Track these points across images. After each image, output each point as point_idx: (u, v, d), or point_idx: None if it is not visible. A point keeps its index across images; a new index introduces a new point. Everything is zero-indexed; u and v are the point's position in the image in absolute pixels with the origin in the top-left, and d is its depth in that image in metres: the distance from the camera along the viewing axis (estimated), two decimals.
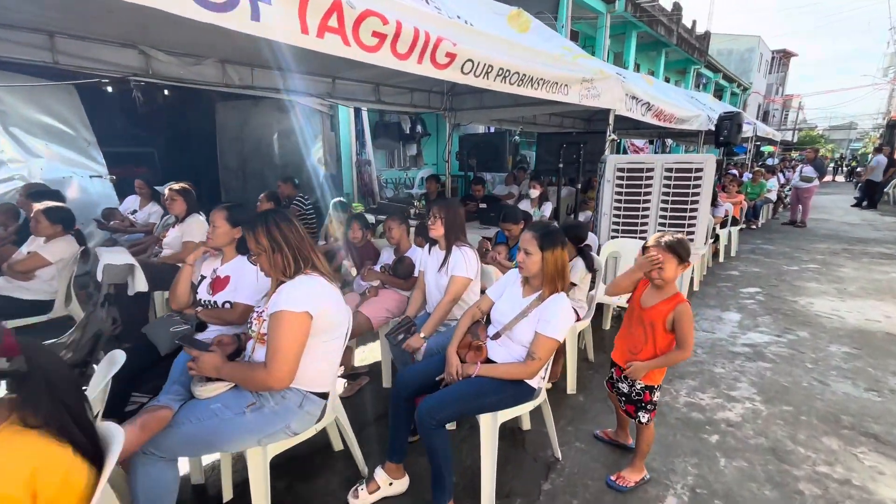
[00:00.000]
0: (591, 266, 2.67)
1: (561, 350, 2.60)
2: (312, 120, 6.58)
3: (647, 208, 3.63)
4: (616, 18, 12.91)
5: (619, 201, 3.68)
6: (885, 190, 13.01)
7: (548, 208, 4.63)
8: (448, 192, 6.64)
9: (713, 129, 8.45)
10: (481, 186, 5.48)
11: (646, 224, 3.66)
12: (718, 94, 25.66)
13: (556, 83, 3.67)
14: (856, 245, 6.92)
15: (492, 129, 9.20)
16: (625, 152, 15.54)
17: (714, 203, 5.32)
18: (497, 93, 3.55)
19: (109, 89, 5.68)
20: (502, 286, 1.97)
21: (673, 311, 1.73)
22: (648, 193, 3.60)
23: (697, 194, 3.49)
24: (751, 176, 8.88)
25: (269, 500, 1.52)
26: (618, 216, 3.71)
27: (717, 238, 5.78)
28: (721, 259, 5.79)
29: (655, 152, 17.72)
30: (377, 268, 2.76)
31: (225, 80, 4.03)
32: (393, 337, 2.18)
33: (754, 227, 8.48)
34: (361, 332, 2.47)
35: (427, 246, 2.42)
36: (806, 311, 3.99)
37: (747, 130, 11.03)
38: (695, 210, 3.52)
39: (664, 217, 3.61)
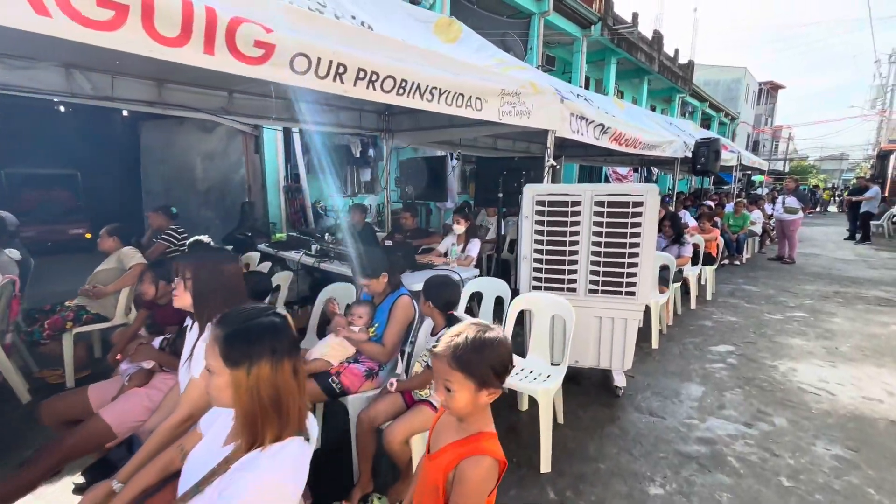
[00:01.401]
0: None
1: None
2: (234, 141, 5.88)
3: (576, 252, 2.83)
4: (594, 44, 12.56)
5: (540, 242, 2.88)
6: (879, 222, 12.34)
7: (474, 247, 3.84)
8: (387, 223, 5.88)
9: (690, 156, 7.84)
10: (409, 215, 4.71)
11: (574, 272, 2.86)
12: (706, 123, 25.49)
13: (465, 96, 2.95)
14: (849, 287, 6.12)
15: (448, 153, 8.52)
16: (606, 181, 14.98)
17: (679, 240, 4.55)
18: (434, 113, 2.89)
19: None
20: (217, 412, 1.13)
21: (456, 466, 0.91)
22: (576, 233, 2.81)
23: (637, 234, 2.71)
24: (733, 207, 8.17)
25: None
26: (540, 261, 2.91)
27: (686, 281, 4.98)
28: (693, 305, 4.97)
29: (641, 181, 17.19)
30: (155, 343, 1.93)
31: (71, 88, 3.30)
32: None
33: (738, 263, 7.71)
34: (89, 451, 1.61)
35: (190, 322, 1.59)
36: (787, 384, 3.13)
37: (730, 159, 10.44)
38: (635, 254, 2.72)
39: (597, 263, 2.81)
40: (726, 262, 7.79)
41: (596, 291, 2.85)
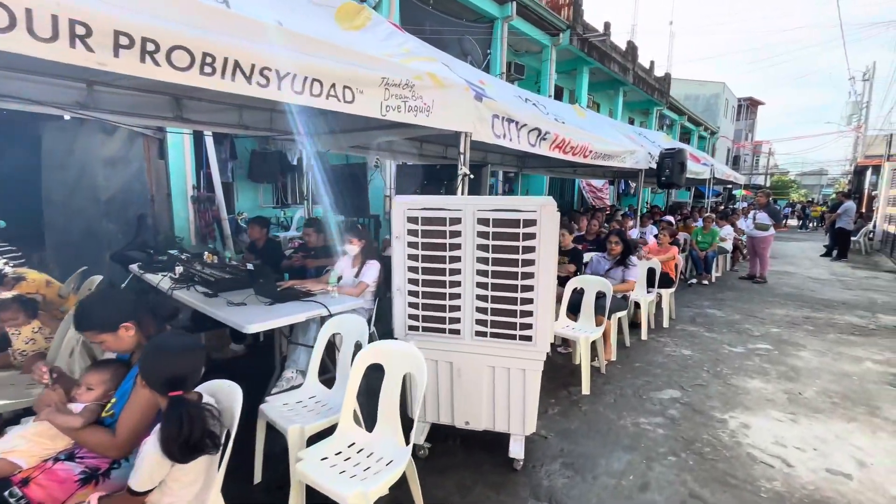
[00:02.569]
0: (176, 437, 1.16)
1: None
2: (136, 145, 5.19)
3: (458, 283, 2.19)
4: (565, 53, 12.17)
5: (415, 270, 2.23)
6: (856, 238, 12.01)
7: (371, 271, 3.16)
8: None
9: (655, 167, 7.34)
10: (313, 231, 4.04)
11: (458, 309, 2.21)
12: (686, 137, 25.40)
13: (324, 83, 2.33)
14: (821, 311, 5.57)
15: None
16: (581, 195, 14.49)
17: (624, 262, 3.94)
18: (349, 114, 2.41)
19: None
20: None
21: None
22: (458, 259, 2.17)
23: (531, 262, 2.07)
24: (702, 223, 7.65)
25: None
26: (416, 294, 2.25)
27: (637, 307, 4.37)
28: (644, 335, 4.35)
29: (616, 195, 16.73)
30: None
31: None
32: None
33: (706, 282, 7.16)
34: None
35: None
36: (734, 448, 2.50)
37: (702, 171, 10.01)
38: (529, 286, 2.09)
39: (484, 297, 2.16)
40: (694, 281, 7.24)
41: (484, 334, 2.21)
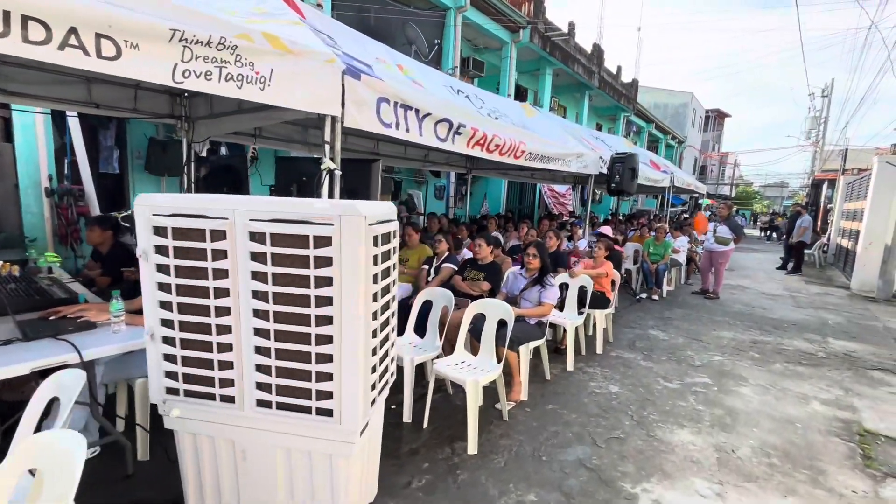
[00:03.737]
0: None
1: None
2: None
3: (227, 327, 1.47)
4: (527, 52, 11.63)
5: (167, 305, 1.50)
6: (810, 252, 11.95)
7: None
8: None
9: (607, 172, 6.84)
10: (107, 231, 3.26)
11: (230, 366, 1.49)
12: (654, 145, 25.53)
13: (59, 28, 1.58)
14: (770, 333, 5.14)
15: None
16: (541, 201, 14.01)
17: (541, 280, 3.31)
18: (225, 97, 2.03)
19: None
20: None
21: None
22: (224, 292, 1.45)
23: (328, 300, 1.38)
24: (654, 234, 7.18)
25: None
26: (172, 342, 1.53)
27: (559, 331, 3.77)
28: (570, 365, 3.75)
29: (578, 202, 16.32)
30: None
31: None
32: None
33: (656, 297, 6.68)
34: None
35: None
36: None
37: (660, 179, 9.64)
38: (326, 335, 1.39)
39: (265, 350, 1.45)
40: (644, 295, 6.76)
41: (269, 404, 1.49)
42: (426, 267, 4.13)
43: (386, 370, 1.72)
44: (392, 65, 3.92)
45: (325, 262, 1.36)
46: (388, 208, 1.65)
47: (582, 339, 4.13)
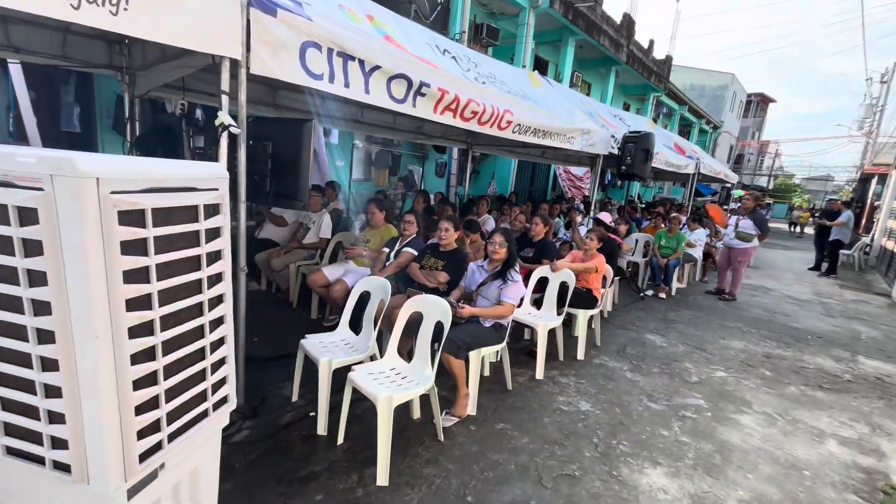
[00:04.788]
0: None
1: None
2: None
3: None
4: (547, 20, 10.68)
5: None
6: (849, 252, 10.85)
7: None
8: None
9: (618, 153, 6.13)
10: None
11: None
12: (686, 129, 23.94)
13: None
14: (789, 346, 4.45)
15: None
16: (554, 183, 13.12)
17: (503, 274, 2.76)
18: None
19: None
20: None
21: None
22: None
23: (42, 283, 0.90)
24: (669, 224, 6.44)
25: None
26: None
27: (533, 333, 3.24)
28: (539, 373, 3.23)
29: (607, 186, 15.25)
30: None
31: None
32: None
33: (663, 295, 6.01)
34: None
35: None
36: None
37: (684, 165, 8.75)
38: (47, 336, 0.92)
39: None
40: (650, 292, 6.11)
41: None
42: (386, 250, 3.63)
43: (203, 396, 1.24)
44: (360, 15, 3.35)
45: (34, 247, 0.87)
46: (189, 170, 1.13)
47: (560, 343, 3.59)
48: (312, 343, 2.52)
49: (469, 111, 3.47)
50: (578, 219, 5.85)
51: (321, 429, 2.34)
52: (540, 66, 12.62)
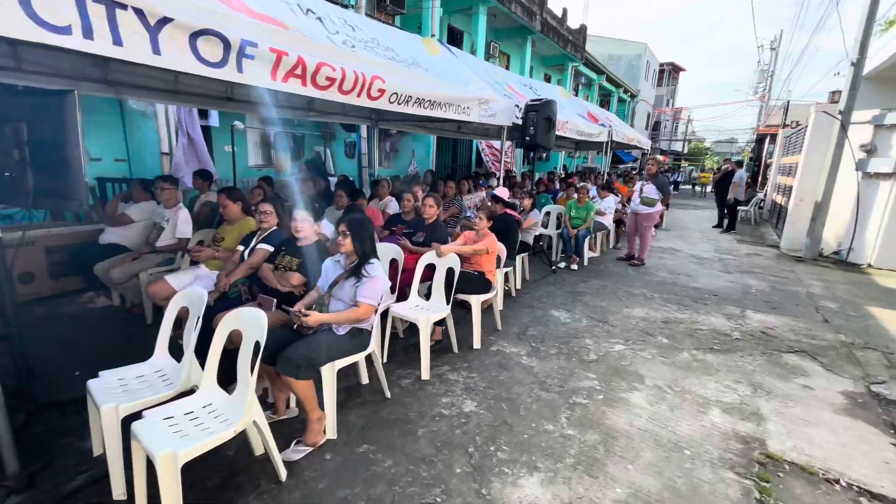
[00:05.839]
0: None
1: None
2: None
3: None
4: None
5: None
6: (747, 208, 11.72)
7: None
8: None
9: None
10: None
11: None
12: (606, 98, 24.71)
13: None
14: (687, 308, 4.51)
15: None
16: (479, 160, 12.86)
17: (358, 271, 2.33)
18: None
19: None
20: None
21: None
22: None
23: None
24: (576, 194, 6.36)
25: None
26: None
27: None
28: (425, 373, 2.89)
29: (532, 160, 15.24)
30: None
31: None
32: None
33: (574, 266, 5.96)
34: None
35: None
36: None
37: (597, 133, 8.77)
38: None
39: None
40: (562, 265, 6.03)
41: None
42: (241, 248, 3.06)
43: None
44: None
45: None
46: None
47: (453, 334, 3.27)
48: (106, 382, 1.96)
49: (323, 77, 2.93)
50: (481, 195, 5.57)
51: (117, 492, 1.82)
52: (454, 36, 12.10)
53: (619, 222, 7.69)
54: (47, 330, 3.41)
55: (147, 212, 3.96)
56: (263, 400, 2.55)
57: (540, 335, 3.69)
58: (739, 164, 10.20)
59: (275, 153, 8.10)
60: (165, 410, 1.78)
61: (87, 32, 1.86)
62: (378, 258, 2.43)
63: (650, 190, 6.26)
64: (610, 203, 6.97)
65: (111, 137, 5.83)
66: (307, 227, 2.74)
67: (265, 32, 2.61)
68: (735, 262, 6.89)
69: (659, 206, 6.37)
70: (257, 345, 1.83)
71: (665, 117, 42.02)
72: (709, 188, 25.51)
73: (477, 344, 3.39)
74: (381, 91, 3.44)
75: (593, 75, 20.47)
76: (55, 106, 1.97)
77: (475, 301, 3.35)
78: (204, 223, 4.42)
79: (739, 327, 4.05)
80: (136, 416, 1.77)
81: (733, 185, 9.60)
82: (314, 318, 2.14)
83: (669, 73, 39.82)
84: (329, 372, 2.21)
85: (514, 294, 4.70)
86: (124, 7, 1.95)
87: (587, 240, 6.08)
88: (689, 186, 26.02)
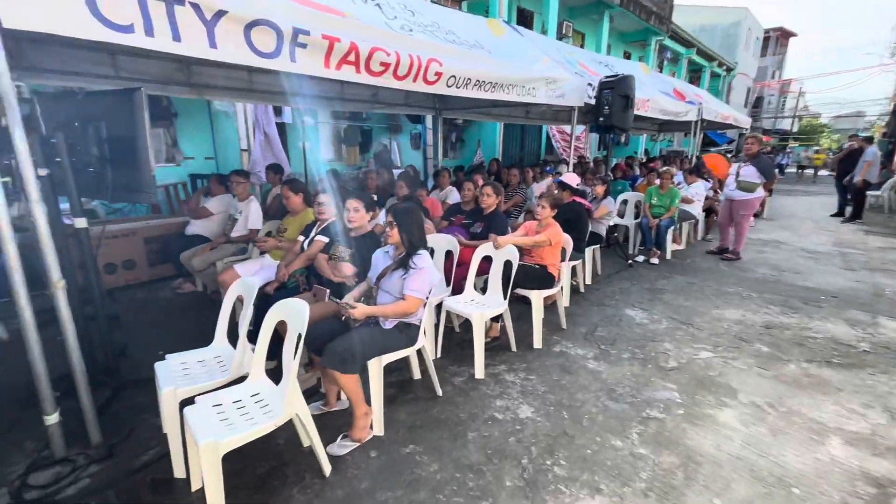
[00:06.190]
0: None
1: None
2: None
3: None
4: None
5: None
6: (878, 193, 9.82)
7: None
8: None
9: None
10: None
11: None
12: (696, 74, 22.24)
13: None
14: (795, 312, 3.81)
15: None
16: (548, 145, 12.17)
17: (405, 262, 2.21)
18: None
19: None
20: None
21: None
22: None
23: None
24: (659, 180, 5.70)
25: None
26: None
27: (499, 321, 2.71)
28: (479, 372, 2.72)
29: (610, 145, 14.07)
30: None
31: None
32: None
33: (655, 260, 5.37)
34: None
35: None
36: None
37: (684, 111, 7.86)
38: None
39: None
40: (640, 258, 5.47)
41: None
42: (301, 239, 3.12)
43: None
44: None
45: None
46: None
47: (510, 331, 3.06)
48: (170, 365, 2.07)
49: (377, 63, 2.86)
50: (551, 182, 5.20)
51: (177, 471, 1.91)
52: (524, 18, 11.57)
53: (709, 211, 6.81)
54: (144, 312, 3.80)
55: (224, 204, 4.24)
56: (317, 390, 2.57)
57: (610, 336, 3.33)
58: (869, 140, 8.51)
59: (345, 147, 8.37)
60: (216, 397, 1.82)
61: (149, 30, 1.93)
62: (427, 249, 2.30)
63: (749, 173, 5.42)
64: (699, 189, 6.16)
65: (201, 137, 6.40)
66: (359, 217, 2.68)
67: (317, 19, 2.58)
68: (862, 257, 5.75)
69: (760, 192, 5.50)
70: (301, 336, 1.79)
71: (770, 92, 36.89)
72: (822, 171, 21.92)
73: (538, 343, 3.13)
74: (438, 74, 3.30)
75: (681, 49, 18.48)
76: (126, 104, 2.09)
77: (536, 297, 3.09)
78: (276, 215, 4.64)
79: (869, 337, 3.32)
80: (193, 399, 1.84)
81: (864, 165, 8.01)
82: (360, 310, 2.06)
83: (777, 40, 34.77)
84: (376, 366, 2.14)
85: (582, 290, 4.33)
86: (182, 2, 2.00)
87: (670, 230, 5.43)
88: (795, 170, 22.55)
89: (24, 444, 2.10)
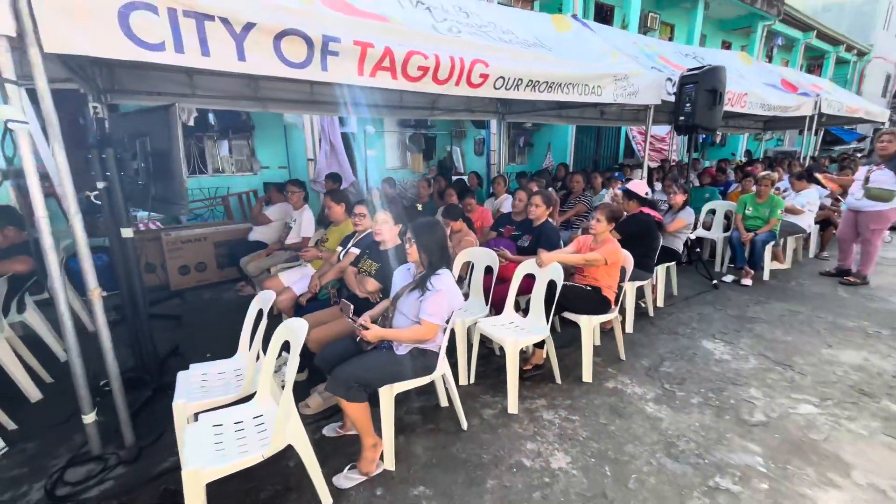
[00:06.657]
0: None
1: None
2: None
3: None
4: None
5: None
6: None
7: None
8: None
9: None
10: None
11: None
12: (817, 61, 19.17)
13: None
14: None
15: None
16: (629, 150, 11.07)
17: (423, 282, 2.00)
18: None
19: None
20: None
21: None
22: None
23: None
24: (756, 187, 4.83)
25: None
26: None
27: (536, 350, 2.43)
28: (512, 406, 2.41)
29: (700, 146, 12.55)
30: None
31: None
32: None
33: (748, 282, 4.54)
34: None
35: None
36: None
37: (797, 105, 6.70)
38: None
39: None
40: (729, 278, 4.69)
41: None
42: (340, 249, 3.08)
43: None
44: None
45: None
46: None
47: (554, 359, 2.71)
48: (191, 375, 2.09)
49: (414, 67, 2.72)
50: (614, 190, 4.65)
51: None
52: (603, 13, 10.81)
53: (826, 222, 5.67)
54: (206, 312, 4.06)
55: (282, 212, 4.41)
56: (338, 409, 2.47)
57: (679, 374, 2.81)
58: None
59: (409, 155, 8.44)
60: (219, 416, 1.77)
61: (179, 47, 1.97)
62: (450, 268, 2.08)
63: (883, 178, 4.37)
64: (811, 197, 5.13)
65: (275, 148, 6.83)
66: (386, 230, 2.55)
67: (348, 25, 2.49)
68: None
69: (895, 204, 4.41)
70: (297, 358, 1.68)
71: None
72: None
73: (587, 377, 2.74)
74: (484, 77, 3.07)
75: (796, 34, 16.03)
76: (162, 118, 2.17)
77: (585, 323, 2.70)
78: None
79: None
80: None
81: None
82: (373, 332, 1.91)
83: None
84: (387, 395, 1.96)
85: (651, 314, 3.77)
86: (212, 18, 2.02)
87: (769, 246, 4.57)
88: None
89: (74, 437, 2.27)
